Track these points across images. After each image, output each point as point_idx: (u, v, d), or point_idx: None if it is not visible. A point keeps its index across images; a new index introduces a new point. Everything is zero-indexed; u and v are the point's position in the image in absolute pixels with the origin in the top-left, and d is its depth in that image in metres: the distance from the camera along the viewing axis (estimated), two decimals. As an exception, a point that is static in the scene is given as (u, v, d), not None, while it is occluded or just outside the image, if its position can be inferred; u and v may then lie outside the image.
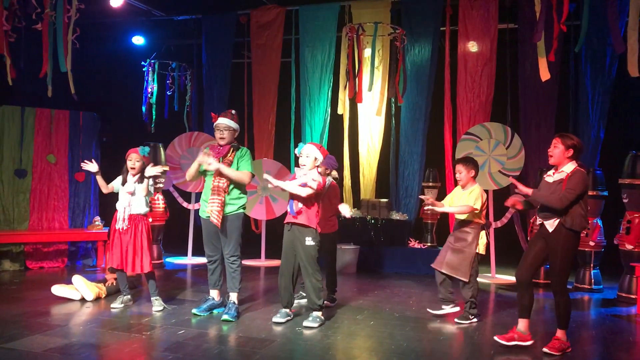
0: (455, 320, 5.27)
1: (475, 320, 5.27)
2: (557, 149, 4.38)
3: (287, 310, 5.15)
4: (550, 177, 4.46)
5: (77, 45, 7.35)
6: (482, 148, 7.68)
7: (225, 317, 5.10)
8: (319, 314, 5.05)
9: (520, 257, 4.60)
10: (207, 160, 5.03)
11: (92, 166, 5.47)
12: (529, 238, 4.61)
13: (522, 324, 4.52)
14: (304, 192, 4.89)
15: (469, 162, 5.35)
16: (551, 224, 4.35)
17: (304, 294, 5.45)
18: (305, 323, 4.95)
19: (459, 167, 5.30)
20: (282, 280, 5.12)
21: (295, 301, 5.50)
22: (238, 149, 5.27)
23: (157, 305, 5.42)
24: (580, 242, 6.94)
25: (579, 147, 4.37)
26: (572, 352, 4.40)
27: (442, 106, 8.65)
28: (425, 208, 5.43)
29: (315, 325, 4.93)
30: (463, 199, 5.24)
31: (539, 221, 4.51)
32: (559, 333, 4.42)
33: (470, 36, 8.41)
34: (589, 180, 4.59)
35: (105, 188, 5.54)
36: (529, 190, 4.38)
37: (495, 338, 4.53)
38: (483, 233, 5.32)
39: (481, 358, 4.37)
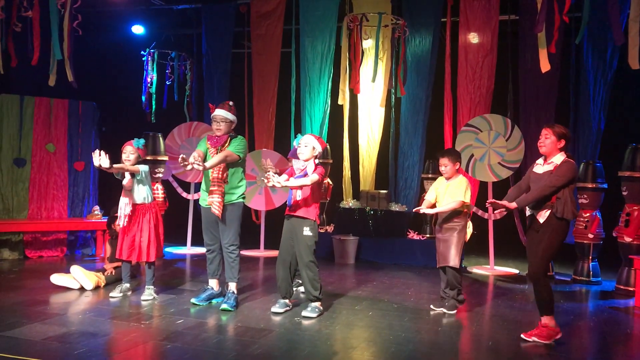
0: (444, 310, 5.27)
1: (459, 306, 5.28)
2: (548, 139, 4.37)
3: (286, 300, 5.16)
4: (540, 167, 4.44)
5: (79, 32, 7.33)
6: (482, 140, 7.67)
7: (224, 306, 5.11)
8: (318, 304, 5.06)
9: (519, 249, 4.61)
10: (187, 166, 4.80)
11: (104, 160, 4.88)
12: (527, 213, 4.57)
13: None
14: (309, 180, 4.89)
15: (453, 154, 5.34)
16: (542, 215, 4.33)
17: (300, 282, 5.46)
18: (303, 313, 4.96)
19: (444, 161, 5.27)
20: (280, 271, 5.13)
21: (294, 288, 5.51)
22: (235, 137, 5.26)
23: (146, 294, 5.43)
24: (579, 235, 7.06)
25: (569, 136, 4.38)
26: (570, 344, 4.42)
27: (442, 98, 8.62)
28: (422, 211, 5.38)
29: (314, 315, 4.95)
30: (450, 191, 5.20)
31: (529, 212, 4.48)
32: (545, 319, 4.38)
33: (471, 27, 8.37)
34: (577, 171, 4.58)
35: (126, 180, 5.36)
36: (512, 204, 4.35)
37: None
38: (469, 223, 5.34)
39: (479, 348, 4.38)
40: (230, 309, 5.09)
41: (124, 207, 5.37)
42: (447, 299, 5.33)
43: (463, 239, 5.24)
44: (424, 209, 5.30)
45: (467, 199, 5.15)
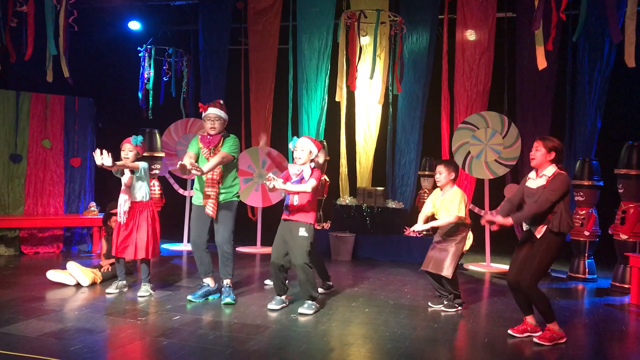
0: (442, 308, 5.29)
1: (460, 308, 5.31)
2: (538, 152, 4.34)
3: (282, 297, 5.16)
4: (533, 181, 4.42)
5: (75, 28, 7.31)
6: (478, 137, 7.67)
7: (227, 300, 5.15)
8: (314, 301, 5.06)
9: (515, 246, 4.61)
10: (190, 170, 4.79)
11: (106, 159, 4.91)
12: (524, 227, 4.58)
13: (530, 319, 4.54)
14: (309, 187, 4.85)
15: (451, 164, 5.31)
16: (539, 231, 4.33)
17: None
18: (300, 310, 4.96)
19: (440, 168, 5.24)
20: (273, 269, 5.11)
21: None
22: (228, 136, 5.25)
23: (143, 290, 5.42)
24: (575, 232, 7.08)
25: (560, 149, 4.35)
26: (566, 341, 4.42)
27: (440, 95, 8.63)
28: (413, 229, 5.37)
29: (310, 312, 4.95)
30: (446, 205, 5.19)
31: (525, 227, 4.50)
32: (550, 325, 4.42)
33: (469, 24, 8.38)
34: (570, 182, 4.58)
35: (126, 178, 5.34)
36: (508, 221, 4.31)
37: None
38: (470, 234, 5.32)
39: (475, 345, 4.39)
40: (233, 302, 5.14)
41: (123, 203, 5.36)
42: (444, 296, 5.35)
43: (461, 249, 5.23)
44: (418, 227, 5.25)
45: (462, 214, 5.14)
